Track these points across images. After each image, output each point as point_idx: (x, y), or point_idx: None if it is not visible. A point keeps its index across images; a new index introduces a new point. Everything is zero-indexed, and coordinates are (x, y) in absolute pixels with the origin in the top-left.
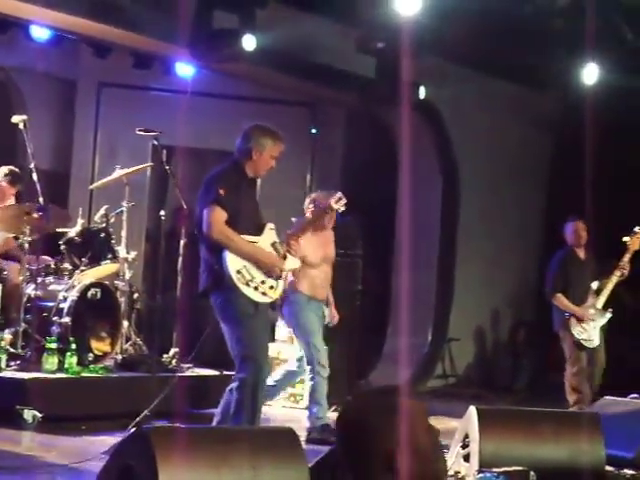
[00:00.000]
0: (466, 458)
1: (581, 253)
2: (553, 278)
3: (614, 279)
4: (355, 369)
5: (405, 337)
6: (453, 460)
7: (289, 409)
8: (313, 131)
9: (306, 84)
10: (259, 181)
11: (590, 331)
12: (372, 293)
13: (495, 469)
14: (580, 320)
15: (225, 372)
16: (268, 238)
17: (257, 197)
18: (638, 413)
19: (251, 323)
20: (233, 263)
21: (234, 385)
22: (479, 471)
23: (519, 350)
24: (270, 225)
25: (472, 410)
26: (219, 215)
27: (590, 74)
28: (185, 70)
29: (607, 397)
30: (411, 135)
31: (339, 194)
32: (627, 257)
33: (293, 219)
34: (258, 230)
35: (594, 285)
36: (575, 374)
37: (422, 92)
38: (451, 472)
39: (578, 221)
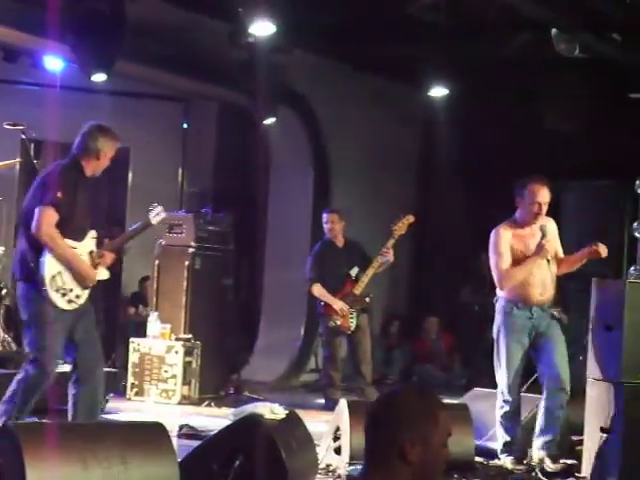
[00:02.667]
0: (337, 451)
1: (339, 242)
2: (310, 269)
3: (375, 265)
4: (228, 364)
5: (278, 331)
6: (324, 453)
7: (162, 405)
8: (185, 126)
9: (178, 79)
10: (130, 175)
11: (347, 319)
12: (245, 288)
13: None
14: (334, 311)
15: None
16: (87, 245)
17: (90, 198)
18: None
19: (48, 328)
20: (50, 267)
21: (18, 376)
22: (350, 463)
23: (391, 343)
24: (92, 233)
25: (343, 403)
26: (51, 218)
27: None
28: (54, 64)
29: (476, 389)
30: (282, 129)
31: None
32: (391, 242)
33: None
34: (82, 235)
35: (353, 272)
36: (333, 360)
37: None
38: (322, 465)
39: (331, 213)
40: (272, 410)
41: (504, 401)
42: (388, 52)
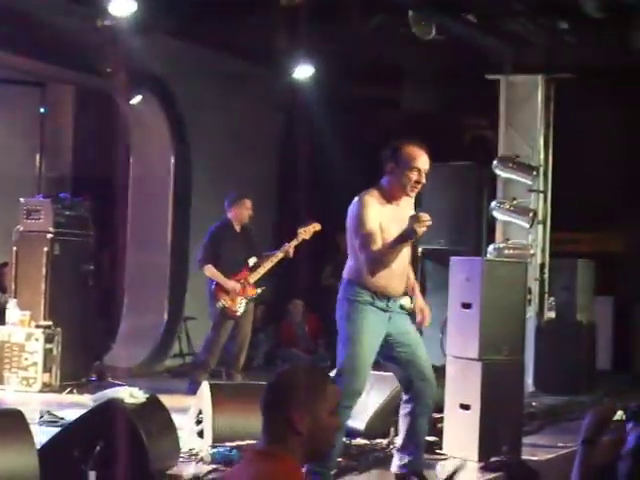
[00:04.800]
0: (200, 434)
1: (237, 227)
2: (205, 249)
3: (274, 259)
4: (89, 350)
5: (141, 317)
6: (187, 437)
7: (22, 393)
8: (42, 110)
9: (34, 63)
10: None
11: (236, 303)
12: (106, 273)
13: (228, 443)
14: (226, 291)
15: None
16: None
17: None
18: (374, 382)
19: None
20: None
21: None
22: (213, 446)
23: (257, 327)
24: None
25: (205, 386)
26: None
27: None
28: None
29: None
30: (142, 112)
31: None
32: (294, 243)
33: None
34: None
35: (251, 261)
36: (220, 343)
37: (154, 69)
38: (185, 449)
39: (250, 199)
40: (132, 394)
41: None
42: (247, 34)
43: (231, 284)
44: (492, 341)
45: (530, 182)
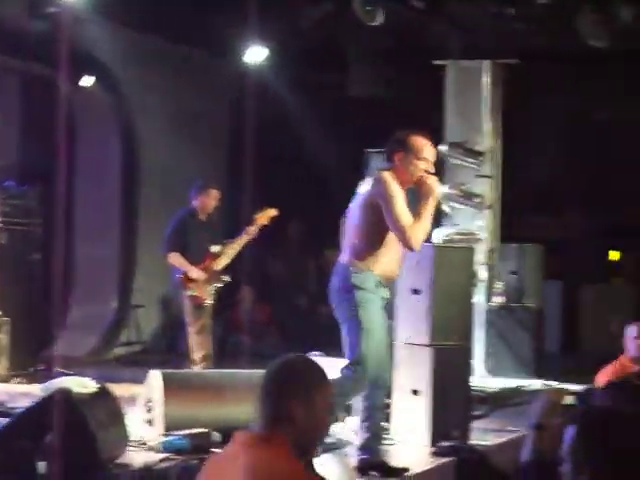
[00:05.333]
0: (150, 423)
1: (203, 216)
2: (170, 237)
3: (236, 246)
4: (38, 340)
5: (90, 306)
6: (137, 425)
7: None
8: None
9: None
10: None
11: (203, 291)
12: (54, 262)
13: (179, 432)
14: (192, 279)
15: None
16: None
17: None
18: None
19: None
20: None
21: None
22: (163, 434)
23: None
24: None
25: (155, 374)
26: None
27: (256, 52)
28: None
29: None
30: (88, 100)
31: None
32: (254, 228)
33: None
34: None
35: (214, 248)
36: (198, 332)
37: (101, 56)
38: (135, 438)
39: (211, 189)
40: (81, 384)
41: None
42: (194, 20)
43: (197, 272)
44: (442, 327)
45: (478, 167)
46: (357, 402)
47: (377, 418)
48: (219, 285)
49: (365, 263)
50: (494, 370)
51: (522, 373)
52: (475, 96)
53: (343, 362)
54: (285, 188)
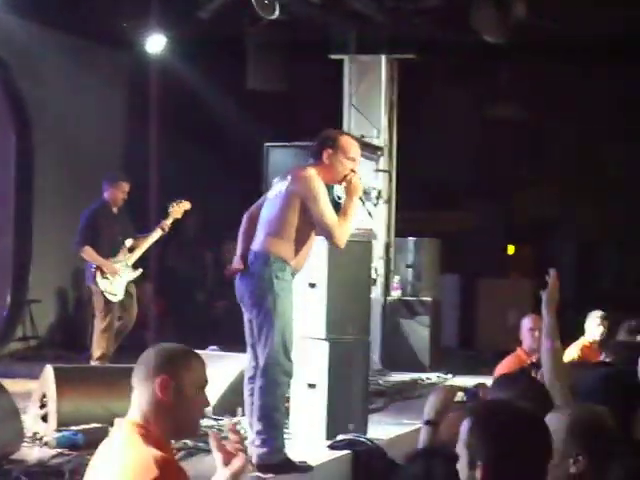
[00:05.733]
0: (44, 418)
1: (115, 209)
2: (82, 231)
3: (150, 239)
4: None
5: None
6: (31, 421)
7: None
8: None
9: None
10: None
11: (116, 286)
12: None
13: (74, 427)
14: (104, 273)
15: None
16: None
17: None
18: (212, 365)
19: None
20: None
21: None
22: (57, 430)
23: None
24: None
25: (48, 369)
26: None
27: (156, 41)
28: None
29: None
30: None
31: None
32: (169, 221)
33: None
34: None
35: (128, 242)
36: (104, 330)
37: None
38: (29, 433)
39: (122, 182)
40: None
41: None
42: (93, 11)
43: (111, 267)
44: (338, 320)
45: (376, 162)
46: (255, 397)
47: (279, 412)
48: (131, 280)
49: (285, 254)
50: (391, 363)
51: (419, 366)
52: (372, 90)
53: (240, 357)
54: (183, 181)
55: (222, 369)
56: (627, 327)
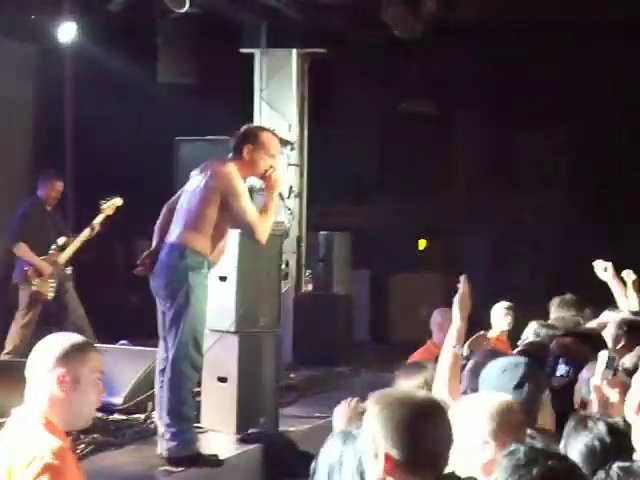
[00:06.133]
0: None
1: (48, 207)
2: (16, 227)
3: (82, 238)
4: None
5: None
6: None
7: None
8: None
9: None
10: None
11: (49, 285)
12: None
13: None
14: (39, 273)
15: None
16: None
17: None
18: (124, 360)
19: None
20: None
21: None
22: None
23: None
24: None
25: None
26: None
27: (67, 31)
28: None
29: (96, 345)
30: None
31: None
32: (99, 219)
33: None
34: None
35: (60, 240)
36: (24, 326)
37: None
38: None
39: (56, 180)
40: None
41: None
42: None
43: (46, 266)
44: (248, 313)
45: (287, 156)
46: (165, 390)
47: (188, 405)
48: (61, 279)
49: (201, 248)
50: (303, 358)
51: (331, 361)
52: (283, 85)
53: (151, 351)
54: (93, 174)
55: (132, 363)
56: (560, 301)
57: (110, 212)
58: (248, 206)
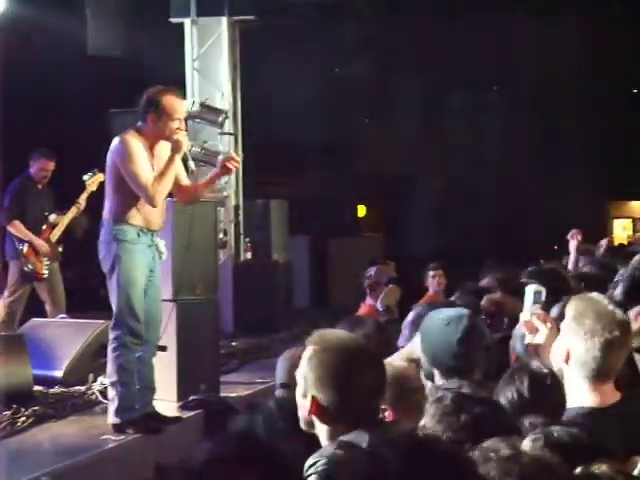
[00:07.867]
0: None
1: (39, 185)
2: (10, 205)
3: (70, 215)
4: None
5: None
6: None
7: None
8: None
9: None
10: None
11: (43, 264)
12: None
13: None
14: (36, 252)
15: None
16: None
17: None
18: (63, 333)
19: None
20: None
21: None
22: None
23: None
24: None
25: None
26: None
27: None
28: None
29: (35, 319)
30: None
31: None
32: (84, 195)
33: None
34: None
35: (51, 218)
36: (13, 302)
37: None
38: None
39: (48, 159)
40: None
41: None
42: None
43: (42, 243)
44: (185, 281)
45: (220, 125)
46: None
47: (128, 371)
48: (53, 257)
49: (123, 216)
50: (244, 325)
51: (272, 327)
52: (214, 53)
53: (90, 323)
54: (25, 149)
55: (71, 337)
56: (529, 273)
57: (94, 187)
58: (140, 170)
